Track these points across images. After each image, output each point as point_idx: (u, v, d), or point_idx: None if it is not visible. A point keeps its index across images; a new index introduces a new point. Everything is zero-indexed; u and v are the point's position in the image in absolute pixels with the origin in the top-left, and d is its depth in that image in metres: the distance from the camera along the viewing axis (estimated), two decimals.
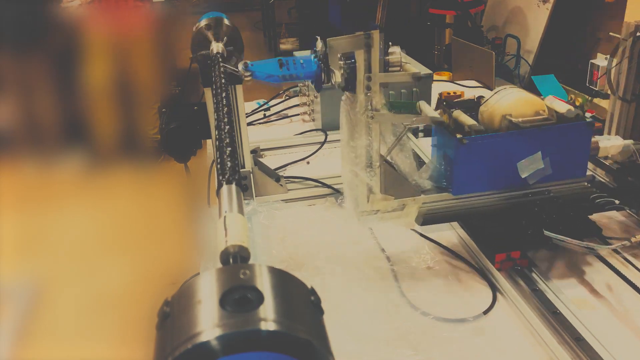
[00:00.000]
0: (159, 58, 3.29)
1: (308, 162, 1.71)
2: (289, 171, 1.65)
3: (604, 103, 3.40)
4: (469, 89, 2.16)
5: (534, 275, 1.14)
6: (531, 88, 3.00)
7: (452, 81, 2.43)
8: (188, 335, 0.38)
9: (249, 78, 1.15)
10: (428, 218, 1.19)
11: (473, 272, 1.19)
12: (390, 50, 1.12)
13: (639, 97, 1.43)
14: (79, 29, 3.06)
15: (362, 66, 1.07)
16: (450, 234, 1.31)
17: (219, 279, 0.42)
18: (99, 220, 2.82)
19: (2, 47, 2.79)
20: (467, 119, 1.20)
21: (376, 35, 1.05)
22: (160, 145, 1.50)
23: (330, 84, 1.14)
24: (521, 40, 4.00)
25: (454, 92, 2.03)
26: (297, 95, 2.11)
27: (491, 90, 2.16)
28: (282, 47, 5.71)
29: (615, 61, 1.41)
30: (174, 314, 0.41)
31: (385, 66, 1.12)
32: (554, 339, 0.97)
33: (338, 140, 1.78)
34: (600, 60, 1.49)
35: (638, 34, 1.34)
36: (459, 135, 1.17)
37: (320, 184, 1.51)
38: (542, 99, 1.25)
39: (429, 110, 1.21)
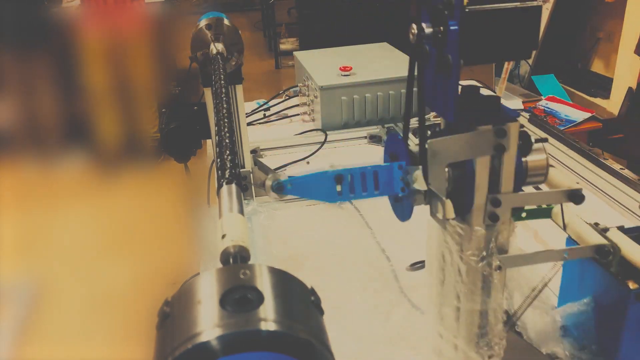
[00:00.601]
0: (158, 58, 3.29)
1: (308, 162, 1.71)
2: (289, 171, 1.65)
3: (603, 103, 3.41)
4: None
5: None
6: (531, 88, 3.00)
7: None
8: (188, 335, 0.38)
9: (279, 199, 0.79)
10: None
11: None
12: (534, 147, 0.66)
13: None
14: (79, 29, 3.06)
15: (485, 182, 0.64)
16: None
17: (219, 279, 0.42)
18: (99, 220, 2.82)
19: (2, 47, 2.79)
20: None
21: (515, 130, 0.62)
22: (160, 145, 1.50)
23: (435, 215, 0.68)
24: None
25: None
26: (297, 95, 2.11)
27: (492, 90, 2.17)
28: (282, 47, 5.71)
29: None
30: (174, 314, 0.41)
31: (523, 176, 0.66)
32: None
33: (338, 140, 1.79)
34: None
35: None
36: (633, 285, 0.73)
37: None
38: None
39: (583, 227, 0.77)
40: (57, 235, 2.69)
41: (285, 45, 5.73)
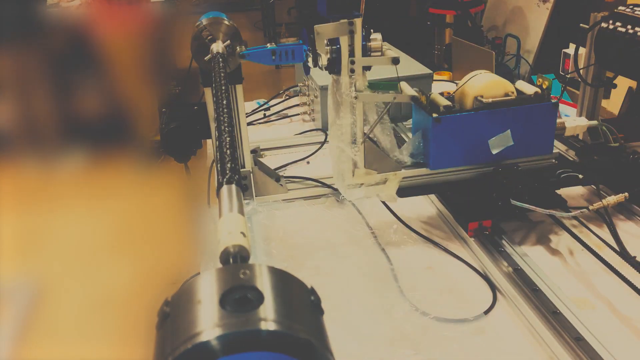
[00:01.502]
0: (158, 58, 3.29)
1: (308, 162, 1.71)
2: (289, 171, 1.65)
3: (603, 103, 3.40)
4: None
5: (503, 241, 1.24)
6: None
7: (452, 81, 2.43)
8: (188, 335, 0.38)
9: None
10: (407, 190, 1.34)
11: (473, 273, 1.19)
12: (371, 37, 1.21)
13: (604, 82, 1.55)
14: (78, 29, 3.06)
15: (346, 51, 1.18)
16: (430, 207, 1.43)
17: (219, 279, 0.42)
18: (99, 220, 2.82)
19: (1, 46, 2.79)
20: (442, 100, 1.33)
21: (359, 22, 1.16)
22: (160, 145, 1.50)
23: (317, 67, 1.24)
24: (521, 40, 4.00)
25: (454, 92, 2.02)
26: (297, 95, 2.11)
27: None
28: (282, 45, 5.71)
29: (583, 50, 1.53)
30: (174, 314, 0.41)
31: (367, 51, 1.21)
32: (554, 339, 0.97)
33: None
34: (571, 49, 1.61)
35: (603, 25, 1.41)
36: (434, 115, 1.29)
37: (320, 184, 1.51)
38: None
39: (409, 89, 1.31)
40: (57, 235, 2.69)
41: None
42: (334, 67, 1.21)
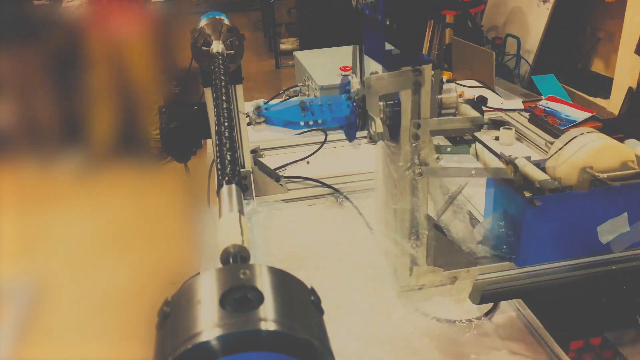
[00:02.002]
0: (158, 58, 3.28)
1: (308, 162, 1.71)
2: (289, 171, 1.65)
3: (603, 103, 3.40)
4: (469, 89, 2.16)
5: None
6: (531, 88, 3.00)
7: (452, 81, 2.43)
8: (188, 335, 0.38)
9: (261, 123, 1.01)
10: (487, 295, 0.96)
11: None
12: (444, 87, 0.92)
13: None
14: (79, 29, 3.06)
15: (408, 110, 0.87)
16: (509, 309, 1.10)
17: (219, 279, 0.42)
18: (99, 220, 2.82)
19: (1, 46, 2.79)
20: (537, 173, 0.98)
21: (428, 70, 0.85)
22: (161, 145, 1.50)
23: (367, 133, 0.96)
24: (521, 40, 4.00)
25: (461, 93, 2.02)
26: (297, 95, 2.11)
27: (492, 90, 2.17)
28: (282, 47, 5.71)
29: None
30: (174, 314, 0.41)
31: (439, 108, 0.92)
32: (554, 340, 0.97)
33: (338, 140, 1.79)
34: None
35: None
36: (527, 194, 0.95)
37: (320, 184, 1.51)
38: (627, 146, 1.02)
39: (491, 158, 0.99)
40: (57, 235, 2.69)
41: (285, 45, 5.72)
42: (391, 133, 0.90)
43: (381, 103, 0.90)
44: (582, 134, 1.01)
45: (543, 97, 2.16)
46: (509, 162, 0.99)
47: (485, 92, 2.13)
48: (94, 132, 3.18)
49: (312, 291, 0.45)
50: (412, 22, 0.89)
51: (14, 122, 2.95)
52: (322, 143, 1.79)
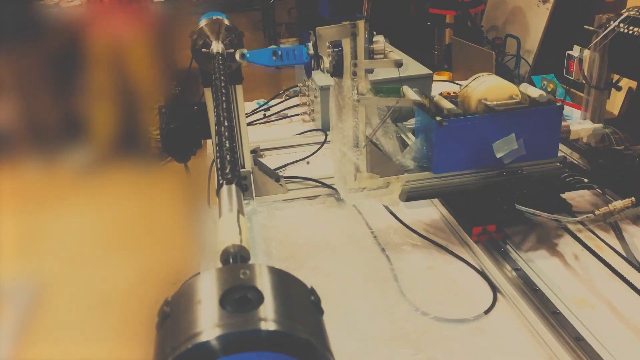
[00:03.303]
0: (159, 58, 3.28)
1: (308, 162, 1.71)
2: (289, 171, 1.65)
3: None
4: None
5: (508, 247, 1.23)
6: None
7: (452, 81, 2.43)
8: (188, 335, 0.38)
9: (245, 65, 1.26)
10: (411, 195, 1.31)
11: (473, 273, 1.19)
12: (374, 39, 1.20)
13: (610, 85, 1.52)
14: (79, 29, 3.06)
15: (348, 53, 1.17)
16: (433, 211, 1.41)
17: (219, 279, 0.42)
18: (99, 220, 2.82)
19: (2, 46, 2.79)
20: (446, 103, 1.31)
21: (361, 24, 1.14)
22: (161, 146, 1.50)
23: (319, 70, 1.23)
24: (521, 40, 4.00)
25: (454, 92, 2.03)
26: (297, 95, 2.11)
27: None
28: (283, 47, 5.71)
29: (588, 52, 1.50)
30: (174, 314, 0.41)
31: (370, 54, 1.20)
32: (554, 339, 0.97)
33: None
34: (576, 52, 1.57)
35: (608, 26, 1.40)
36: (438, 118, 1.27)
37: (320, 184, 1.51)
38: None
39: (412, 94, 1.30)
40: (57, 235, 2.69)
41: (285, 45, 5.73)
42: (336, 70, 1.19)
43: (329, 50, 1.18)
44: (483, 75, 1.35)
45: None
46: (427, 96, 1.32)
47: None
48: (95, 132, 3.18)
49: (312, 291, 0.45)
50: None
51: (15, 121, 2.95)
52: (322, 143, 1.79)
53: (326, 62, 1.19)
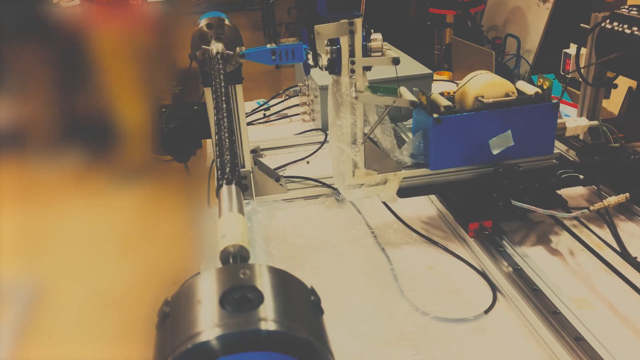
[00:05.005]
0: (158, 57, 3.28)
1: (308, 162, 1.71)
2: (289, 171, 1.65)
3: (604, 103, 3.40)
4: None
5: (503, 242, 1.25)
6: None
7: (452, 81, 2.43)
8: (188, 335, 0.38)
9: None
10: (407, 191, 1.33)
11: (473, 272, 1.19)
12: (372, 37, 1.21)
13: (605, 83, 1.53)
14: (78, 28, 3.06)
15: (346, 51, 1.18)
16: (430, 208, 1.44)
17: (218, 279, 0.42)
18: (99, 220, 2.82)
19: (1, 45, 2.79)
20: (443, 100, 1.32)
21: (359, 22, 1.16)
22: (161, 145, 1.50)
23: (317, 67, 1.24)
24: (521, 40, 4.00)
25: (453, 92, 2.03)
26: (297, 95, 2.11)
27: None
28: (281, 44, 5.71)
29: (584, 50, 1.51)
30: (173, 314, 0.41)
31: (368, 51, 1.21)
32: (554, 339, 0.97)
33: None
34: (572, 50, 1.59)
35: (603, 24, 1.41)
36: (435, 115, 1.28)
37: (320, 184, 1.51)
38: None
39: (408, 94, 1.30)
40: (57, 235, 2.69)
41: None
42: (334, 67, 1.20)
43: (327, 47, 1.19)
44: (480, 73, 1.35)
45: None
46: (424, 93, 1.32)
47: None
48: (95, 131, 3.17)
49: (312, 291, 0.45)
50: None
51: (15, 121, 2.95)
52: (322, 143, 1.79)
53: (324, 59, 1.20)
